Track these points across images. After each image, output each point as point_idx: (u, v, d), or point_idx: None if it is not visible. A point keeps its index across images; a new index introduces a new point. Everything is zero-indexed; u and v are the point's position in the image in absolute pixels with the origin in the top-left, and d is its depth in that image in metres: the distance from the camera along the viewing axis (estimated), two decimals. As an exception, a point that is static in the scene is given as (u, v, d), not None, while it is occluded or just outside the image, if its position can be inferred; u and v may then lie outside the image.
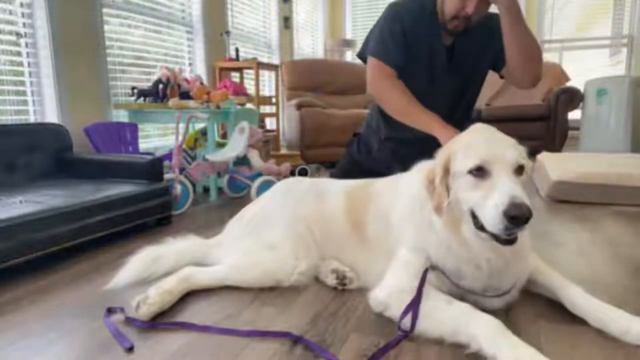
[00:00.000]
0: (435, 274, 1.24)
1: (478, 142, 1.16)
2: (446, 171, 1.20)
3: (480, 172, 1.11)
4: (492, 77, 2.09)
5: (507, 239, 1.08)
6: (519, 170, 1.12)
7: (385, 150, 2.11)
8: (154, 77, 3.28)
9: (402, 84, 1.90)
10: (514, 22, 1.73)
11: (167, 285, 1.40)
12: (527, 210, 1.01)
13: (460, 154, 1.17)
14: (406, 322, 1.16)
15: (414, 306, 1.16)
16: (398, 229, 1.38)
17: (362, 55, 2.06)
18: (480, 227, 1.13)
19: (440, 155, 1.25)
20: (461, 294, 1.23)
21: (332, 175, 2.24)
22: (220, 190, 3.26)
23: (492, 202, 1.05)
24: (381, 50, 1.92)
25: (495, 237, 1.10)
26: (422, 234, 1.27)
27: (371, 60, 1.96)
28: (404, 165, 1.51)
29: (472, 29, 1.88)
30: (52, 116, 2.90)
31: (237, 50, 4.51)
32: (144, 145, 3.62)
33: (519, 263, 1.24)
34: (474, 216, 1.13)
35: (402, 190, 1.43)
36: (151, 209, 2.35)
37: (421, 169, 1.36)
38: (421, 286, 1.19)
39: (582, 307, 1.22)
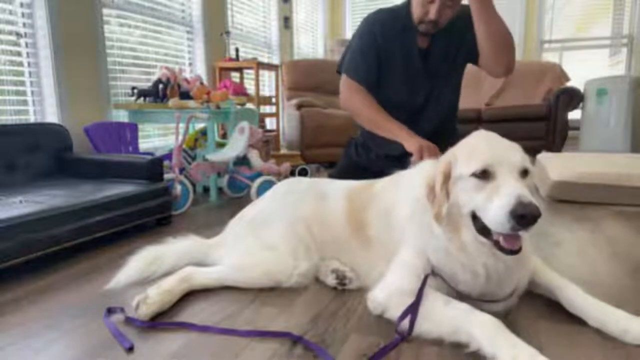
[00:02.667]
0: (435, 279, 1.23)
1: (482, 146, 1.15)
2: (446, 178, 1.18)
3: (484, 175, 1.10)
4: (492, 77, 2.11)
5: (511, 250, 1.07)
6: (524, 173, 1.11)
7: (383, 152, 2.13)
8: (154, 77, 3.28)
9: (371, 97, 2.00)
10: (484, 8, 1.76)
11: (167, 285, 1.40)
12: (535, 209, 0.99)
13: (463, 158, 1.15)
14: (404, 324, 1.16)
15: (412, 310, 1.16)
16: (400, 230, 1.37)
17: (339, 70, 2.15)
18: (480, 230, 1.12)
19: (441, 161, 1.23)
20: (459, 299, 1.22)
21: (331, 176, 2.24)
22: (220, 190, 3.26)
23: (497, 202, 1.04)
24: (352, 67, 2.04)
25: (499, 247, 1.09)
26: (422, 237, 1.26)
27: (343, 76, 2.09)
28: (403, 165, 1.52)
29: (447, 30, 1.92)
30: (52, 116, 2.90)
31: (237, 50, 4.51)
32: (144, 145, 3.62)
33: (521, 269, 1.24)
34: (475, 220, 1.13)
35: (404, 191, 1.42)
36: (151, 209, 2.35)
37: (422, 169, 1.35)
38: (421, 291, 1.18)
39: (581, 306, 1.22)
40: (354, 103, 2.04)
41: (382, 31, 1.99)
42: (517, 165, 1.09)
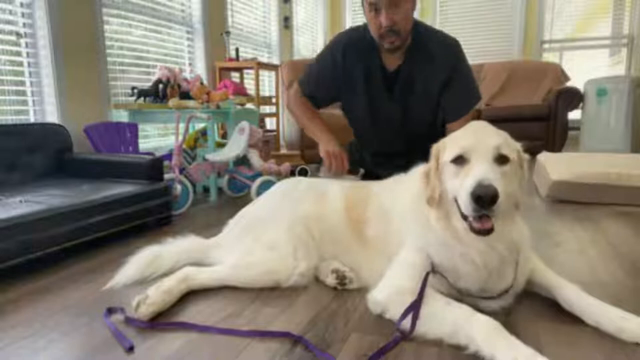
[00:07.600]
0: (435, 277, 1.24)
1: (463, 134, 1.20)
2: (438, 164, 1.24)
3: (460, 160, 1.14)
4: (491, 76, 2.10)
5: (479, 229, 1.09)
6: (501, 159, 1.13)
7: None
8: (154, 77, 3.28)
9: (309, 102, 2.13)
10: None
11: (167, 285, 1.40)
12: (492, 190, 1.03)
13: (448, 146, 1.21)
14: (405, 324, 1.16)
15: (414, 308, 1.16)
16: (398, 229, 1.38)
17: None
18: (462, 215, 1.15)
19: (434, 149, 1.28)
20: (459, 297, 1.23)
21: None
22: (220, 190, 3.26)
23: (464, 186, 1.09)
24: (304, 81, 2.15)
25: (472, 229, 1.11)
26: (422, 233, 1.28)
27: (295, 83, 2.18)
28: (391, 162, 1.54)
29: (422, 57, 1.90)
30: (52, 116, 2.90)
31: (237, 50, 4.51)
32: (144, 145, 3.62)
33: (518, 263, 1.24)
34: (458, 205, 1.15)
35: (402, 191, 1.43)
36: (151, 209, 2.34)
37: (418, 171, 1.36)
38: (422, 289, 1.19)
39: (578, 305, 1.22)
40: (294, 105, 2.16)
41: (344, 53, 1.98)
42: (490, 149, 1.12)
